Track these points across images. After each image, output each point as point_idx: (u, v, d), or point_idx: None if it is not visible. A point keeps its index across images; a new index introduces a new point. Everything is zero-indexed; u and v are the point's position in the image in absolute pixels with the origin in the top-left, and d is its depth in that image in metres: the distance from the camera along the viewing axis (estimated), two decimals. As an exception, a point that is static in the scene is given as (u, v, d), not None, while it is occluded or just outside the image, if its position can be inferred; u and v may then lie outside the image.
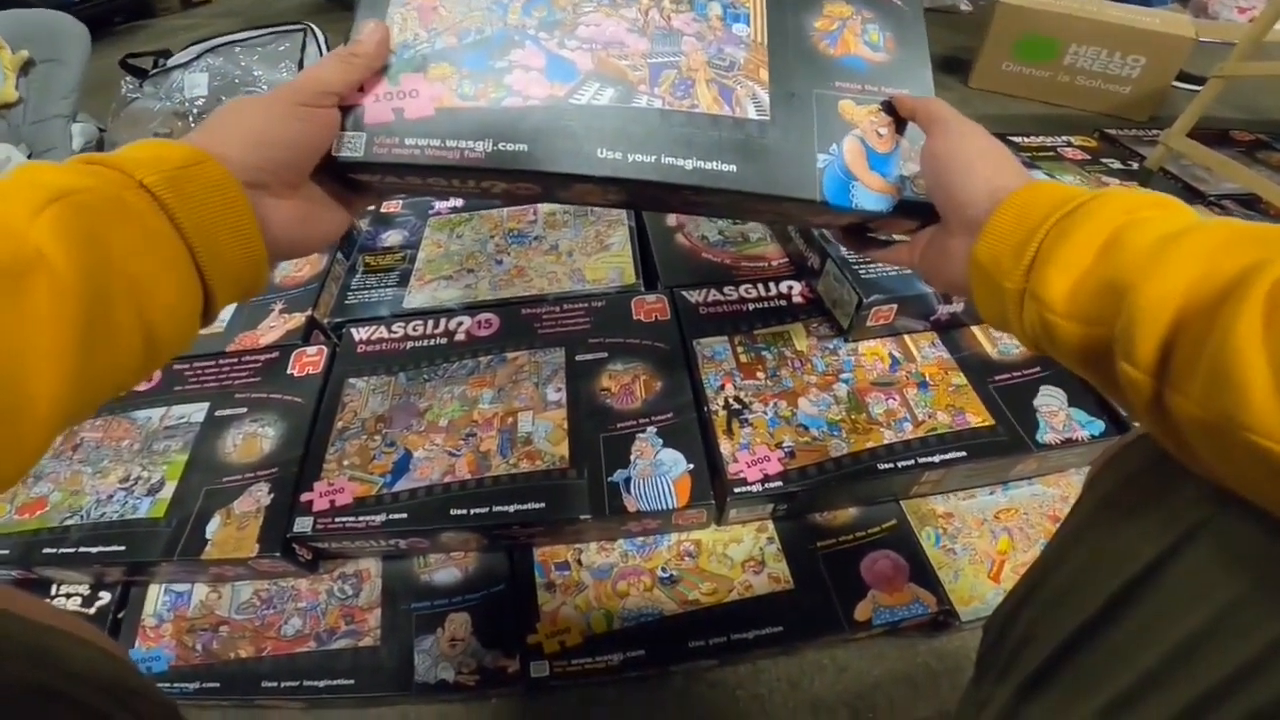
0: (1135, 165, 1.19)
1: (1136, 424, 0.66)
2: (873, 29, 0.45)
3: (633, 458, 0.64)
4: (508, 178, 0.40)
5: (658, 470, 0.63)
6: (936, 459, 0.64)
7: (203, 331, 0.79)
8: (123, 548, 0.61)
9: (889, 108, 0.43)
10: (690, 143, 0.40)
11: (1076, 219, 0.28)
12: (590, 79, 0.40)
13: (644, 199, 0.47)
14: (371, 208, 0.98)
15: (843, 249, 0.75)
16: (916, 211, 0.42)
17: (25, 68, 1.19)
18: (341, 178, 0.38)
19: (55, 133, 1.17)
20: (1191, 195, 1.11)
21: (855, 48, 0.45)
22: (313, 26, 1.22)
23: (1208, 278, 0.22)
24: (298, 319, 0.79)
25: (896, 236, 0.47)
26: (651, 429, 0.66)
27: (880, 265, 0.73)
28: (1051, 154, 1.20)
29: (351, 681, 0.58)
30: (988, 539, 0.65)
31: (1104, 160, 1.19)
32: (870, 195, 0.42)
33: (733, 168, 0.40)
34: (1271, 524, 0.21)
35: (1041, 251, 0.28)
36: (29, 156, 1.14)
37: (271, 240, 0.32)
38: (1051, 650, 0.29)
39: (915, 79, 0.45)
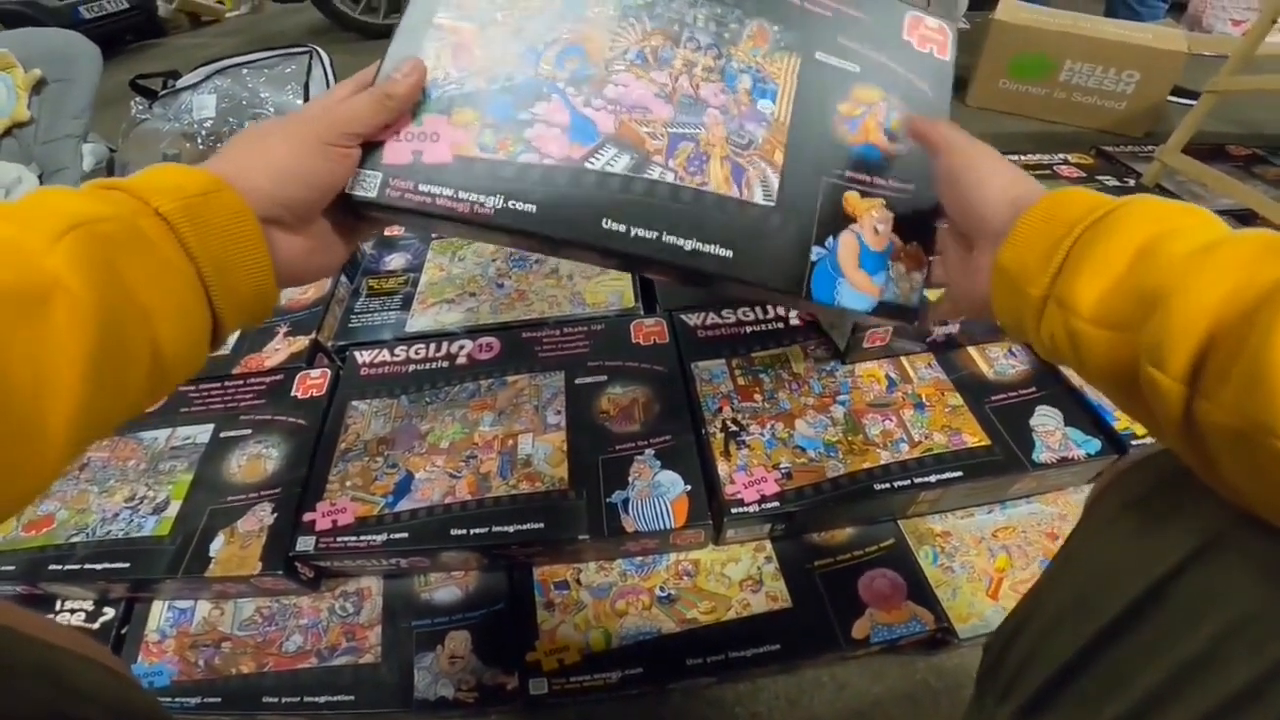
0: (1131, 182, 1.20)
1: (1136, 444, 0.66)
2: (895, 117, 0.45)
3: (631, 479, 0.65)
4: (513, 233, 0.40)
5: (656, 491, 0.64)
6: (933, 479, 0.64)
7: (208, 354, 0.77)
8: (127, 565, 0.61)
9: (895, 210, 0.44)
10: (693, 223, 0.40)
11: (1107, 226, 0.28)
12: (609, 143, 0.40)
13: (640, 267, 0.47)
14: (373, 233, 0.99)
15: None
16: (894, 314, 0.43)
17: (38, 87, 1.20)
18: (348, 207, 0.39)
19: (66, 153, 1.19)
20: (1187, 212, 1.12)
21: (874, 136, 0.45)
22: (318, 49, 1.25)
23: (1244, 289, 0.22)
24: (302, 342, 0.80)
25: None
26: (650, 451, 0.67)
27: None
28: (1048, 172, 1.20)
29: (352, 698, 0.58)
30: (985, 557, 0.65)
31: (1100, 178, 1.19)
32: (854, 294, 0.43)
33: (729, 253, 0.41)
34: (1272, 542, 0.22)
35: (1070, 258, 0.28)
36: (40, 176, 1.15)
37: (277, 272, 0.32)
38: (1053, 670, 0.29)
39: (924, 171, 0.43)
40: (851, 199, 0.43)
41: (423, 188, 0.38)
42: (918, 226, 0.44)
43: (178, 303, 0.27)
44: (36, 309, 0.21)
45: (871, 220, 0.43)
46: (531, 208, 0.38)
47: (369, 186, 0.37)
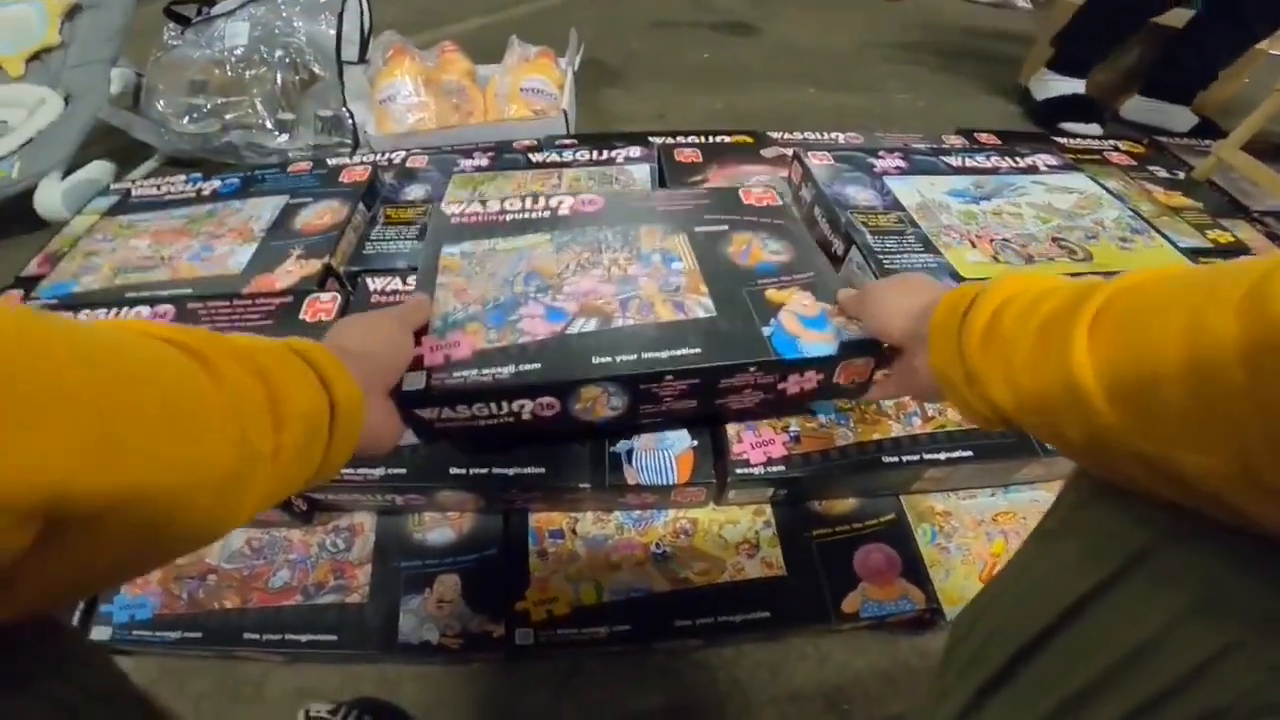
0: (1181, 175, 1.13)
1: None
2: (771, 243, 0.64)
3: (637, 431, 0.64)
4: (530, 393, 0.52)
5: (661, 444, 0.63)
6: (942, 456, 0.63)
7: (220, 271, 0.78)
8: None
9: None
10: (661, 341, 0.54)
11: (967, 320, 0.36)
12: (578, 317, 0.56)
13: (640, 398, 0.55)
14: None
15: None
16: (859, 348, 0.54)
17: (71, 12, 1.19)
18: (400, 403, 0.49)
19: (95, 77, 1.17)
20: (1235, 209, 1.06)
21: (762, 257, 0.63)
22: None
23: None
24: (314, 265, 0.77)
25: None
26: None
27: (905, 255, 0.73)
28: (1097, 158, 1.14)
29: (334, 637, 0.58)
30: (983, 540, 0.64)
31: (1150, 167, 1.13)
32: (815, 345, 0.54)
33: (697, 350, 0.53)
34: (1209, 548, 0.24)
35: (970, 367, 0.35)
36: (65, 99, 1.15)
37: (363, 434, 0.39)
38: (1010, 653, 0.31)
39: (813, 262, 0.62)
40: (772, 293, 0.59)
41: (455, 374, 0.52)
42: (831, 293, 0.58)
43: (319, 470, 0.36)
44: (245, 478, 0.28)
45: (797, 300, 0.58)
46: (537, 365, 0.52)
47: (417, 381, 0.51)
